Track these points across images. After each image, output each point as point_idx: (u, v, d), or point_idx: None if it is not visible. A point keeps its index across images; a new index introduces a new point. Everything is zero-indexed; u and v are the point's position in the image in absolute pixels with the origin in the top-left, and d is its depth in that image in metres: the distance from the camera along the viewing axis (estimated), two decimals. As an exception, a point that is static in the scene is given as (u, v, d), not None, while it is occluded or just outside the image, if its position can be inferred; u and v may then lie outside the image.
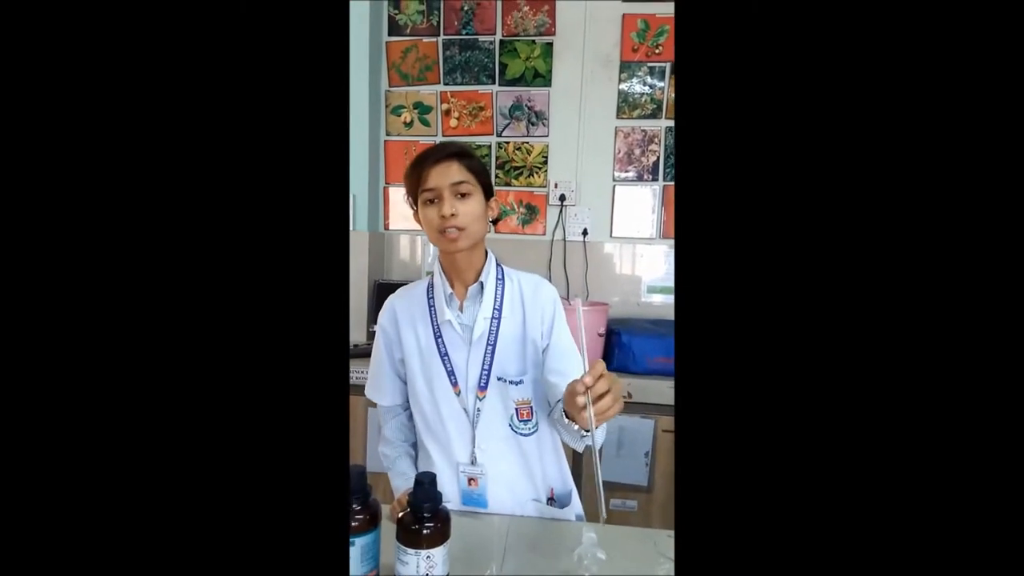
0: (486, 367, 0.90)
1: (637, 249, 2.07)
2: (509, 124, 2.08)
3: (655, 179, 2.03)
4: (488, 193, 0.90)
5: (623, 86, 2.00)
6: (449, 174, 0.85)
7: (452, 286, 0.93)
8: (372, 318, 2.05)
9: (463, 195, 0.86)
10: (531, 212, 2.11)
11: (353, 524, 0.64)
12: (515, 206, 2.12)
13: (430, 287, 0.96)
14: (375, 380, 1.00)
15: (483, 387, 0.90)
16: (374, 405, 1.74)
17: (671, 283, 2.06)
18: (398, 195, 2.17)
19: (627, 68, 1.99)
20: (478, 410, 0.90)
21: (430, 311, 0.94)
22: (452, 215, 0.84)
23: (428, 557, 0.63)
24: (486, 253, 0.94)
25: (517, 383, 0.90)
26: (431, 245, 2.17)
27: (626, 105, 2.01)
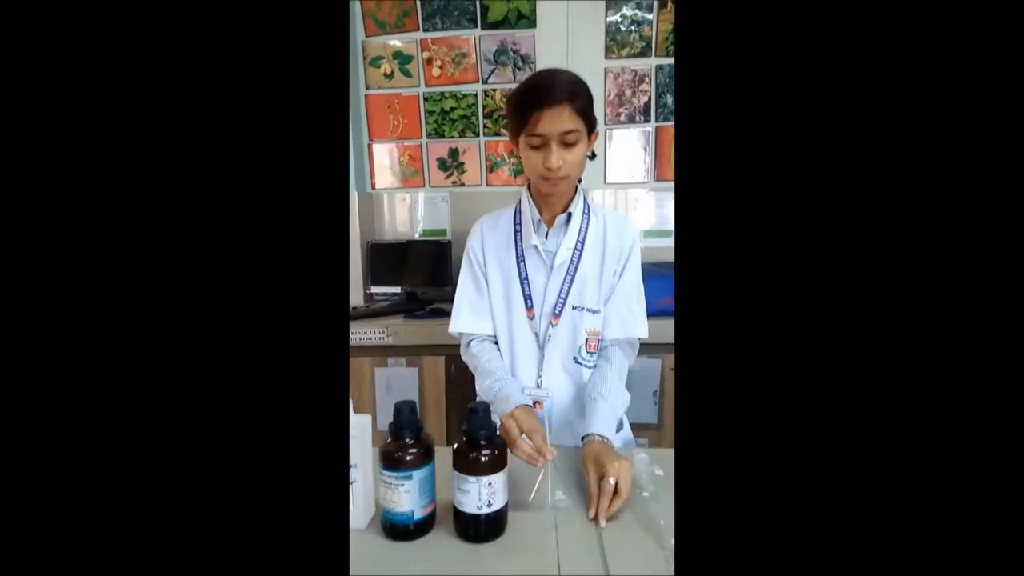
0: (563, 295, 0.92)
1: (631, 194, 2.05)
2: (494, 70, 2.00)
3: (647, 120, 1.99)
4: (591, 129, 0.87)
5: (610, 21, 1.93)
6: (560, 122, 0.80)
7: (540, 213, 0.93)
8: (368, 280, 2.00)
9: (569, 144, 0.82)
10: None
11: (408, 458, 0.62)
12: (505, 156, 2.06)
13: (517, 212, 0.96)
14: (473, 307, 0.96)
15: (557, 314, 0.92)
16: (384, 365, 1.74)
17: (667, 227, 2.06)
18: (383, 152, 2.09)
19: (614, 5, 1.92)
20: (549, 336, 0.92)
21: (515, 236, 0.94)
22: (559, 167, 0.82)
23: (489, 484, 0.62)
24: (576, 186, 0.94)
25: (595, 312, 0.93)
26: (421, 204, 2.11)
27: (614, 44, 1.95)
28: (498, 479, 0.63)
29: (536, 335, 0.93)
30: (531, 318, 0.93)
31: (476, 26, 1.97)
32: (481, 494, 0.62)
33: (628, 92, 1.98)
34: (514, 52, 1.98)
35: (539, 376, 0.93)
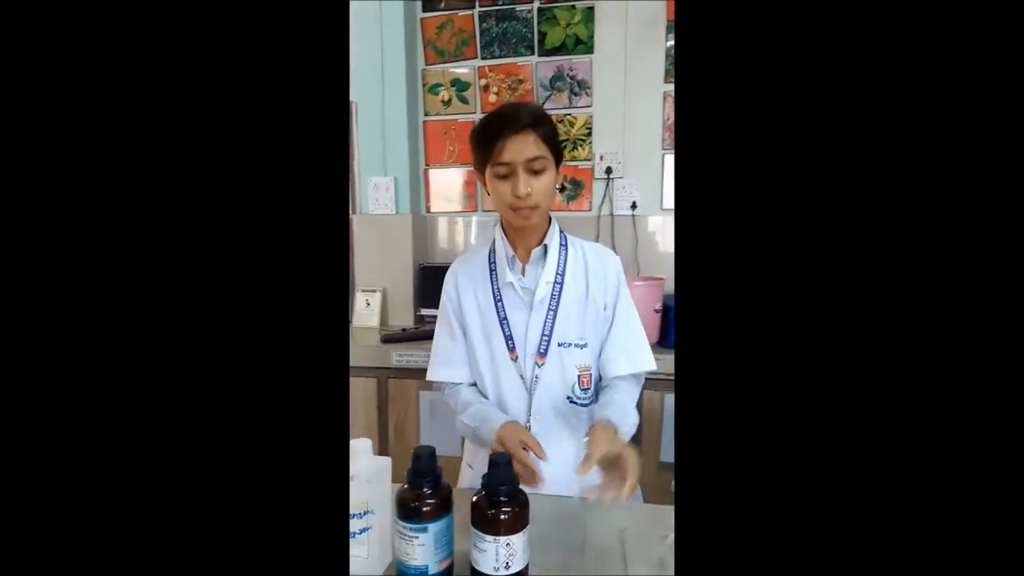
0: (547, 332, 0.87)
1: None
2: (550, 96, 1.99)
3: (708, 145, 1.91)
4: (559, 160, 0.85)
5: (670, 45, 1.88)
6: (525, 149, 0.79)
7: (515, 249, 0.90)
8: (419, 302, 2.02)
9: (537, 171, 0.80)
10: (576, 187, 2.02)
11: (424, 509, 0.59)
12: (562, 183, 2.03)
13: (492, 251, 0.93)
14: (446, 356, 0.94)
15: (543, 353, 0.87)
16: (428, 388, 1.74)
17: (728, 256, 1.95)
18: (438, 177, 2.13)
19: (674, 28, 1.87)
20: (536, 377, 0.87)
21: (491, 274, 0.91)
22: (528, 195, 0.80)
23: (508, 544, 0.58)
24: (549, 218, 0.90)
25: (581, 346, 0.87)
26: (473, 227, 2.13)
27: (674, 68, 1.89)
28: (518, 539, 0.58)
29: (522, 377, 0.87)
30: (515, 360, 0.87)
31: (533, 53, 1.98)
32: (499, 555, 0.58)
33: (688, 116, 1.90)
34: (571, 78, 1.97)
35: (528, 421, 0.87)
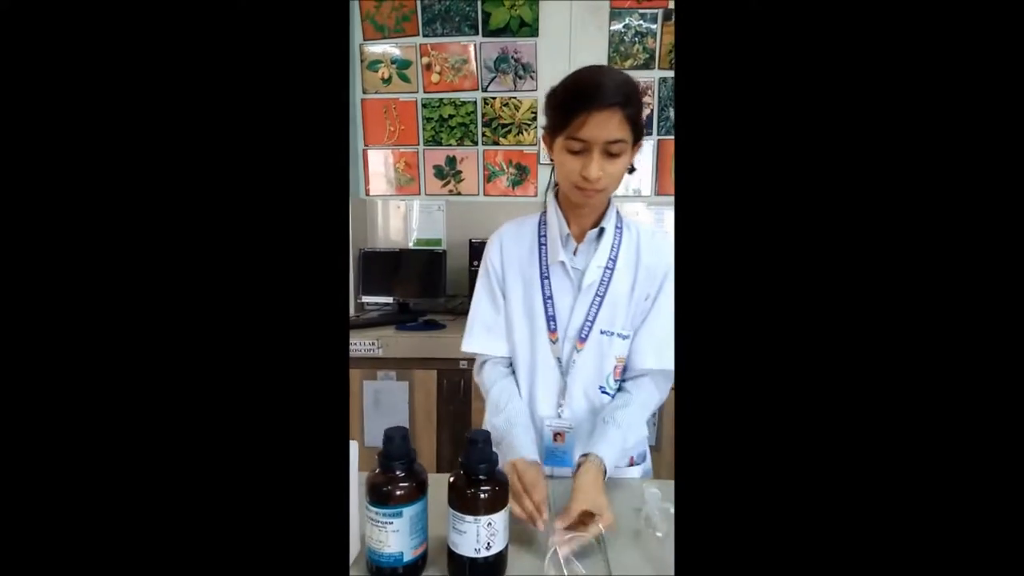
0: (591, 318, 0.83)
1: (630, 207, 2.00)
2: (495, 78, 1.96)
3: (649, 133, 1.96)
4: (637, 139, 0.77)
5: (614, 30, 1.90)
6: (608, 129, 0.71)
7: (568, 226, 0.84)
8: (360, 289, 1.93)
9: (613, 154, 0.73)
10: (521, 172, 2.01)
11: (398, 493, 0.55)
12: (504, 166, 2.01)
13: (541, 224, 0.87)
14: (487, 325, 0.87)
15: (583, 338, 0.83)
16: (373, 377, 1.67)
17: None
18: (378, 158, 2.03)
19: (618, 15, 1.89)
20: (572, 361, 0.84)
21: (540, 248, 0.85)
22: (598, 179, 0.73)
23: (489, 524, 0.55)
24: (608, 198, 0.85)
25: (624, 337, 0.84)
26: (416, 212, 2.06)
27: (617, 55, 1.92)
28: (499, 518, 0.56)
29: (559, 360, 0.84)
30: (554, 341, 0.83)
31: (477, 33, 1.93)
32: (479, 535, 0.55)
33: (630, 104, 1.94)
34: (515, 60, 1.94)
35: (560, 405, 0.84)
